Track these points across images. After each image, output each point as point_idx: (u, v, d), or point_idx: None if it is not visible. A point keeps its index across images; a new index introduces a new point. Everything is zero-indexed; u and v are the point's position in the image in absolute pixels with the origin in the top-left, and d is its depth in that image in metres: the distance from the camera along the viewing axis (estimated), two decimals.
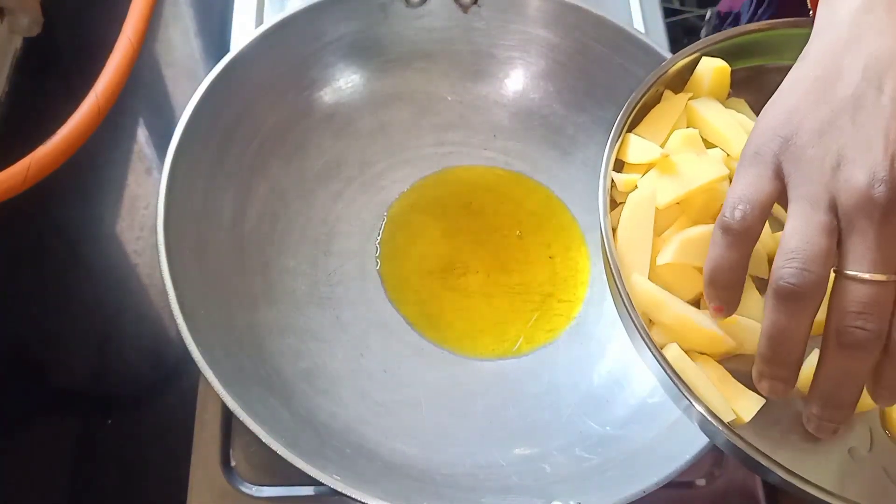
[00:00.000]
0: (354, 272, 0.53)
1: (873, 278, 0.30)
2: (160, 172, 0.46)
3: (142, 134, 0.63)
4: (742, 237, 0.33)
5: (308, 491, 0.47)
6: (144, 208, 0.59)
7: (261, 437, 0.39)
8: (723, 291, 0.35)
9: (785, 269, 0.31)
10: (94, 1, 0.66)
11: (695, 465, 0.42)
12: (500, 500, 0.44)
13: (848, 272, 0.31)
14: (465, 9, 0.58)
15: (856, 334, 0.30)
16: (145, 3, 0.53)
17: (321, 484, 0.39)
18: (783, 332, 0.32)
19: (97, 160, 0.60)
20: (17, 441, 0.52)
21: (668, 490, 0.42)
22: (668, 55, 0.54)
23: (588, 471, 0.45)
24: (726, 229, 0.33)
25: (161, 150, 0.53)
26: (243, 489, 0.47)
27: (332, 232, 0.55)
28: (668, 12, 0.67)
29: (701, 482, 0.49)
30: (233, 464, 0.48)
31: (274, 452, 0.39)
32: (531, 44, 0.59)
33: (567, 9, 0.57)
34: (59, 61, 0.65)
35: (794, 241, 0.31)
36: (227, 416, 0.48)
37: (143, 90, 0.65)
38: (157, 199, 0.45)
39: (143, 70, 0.63)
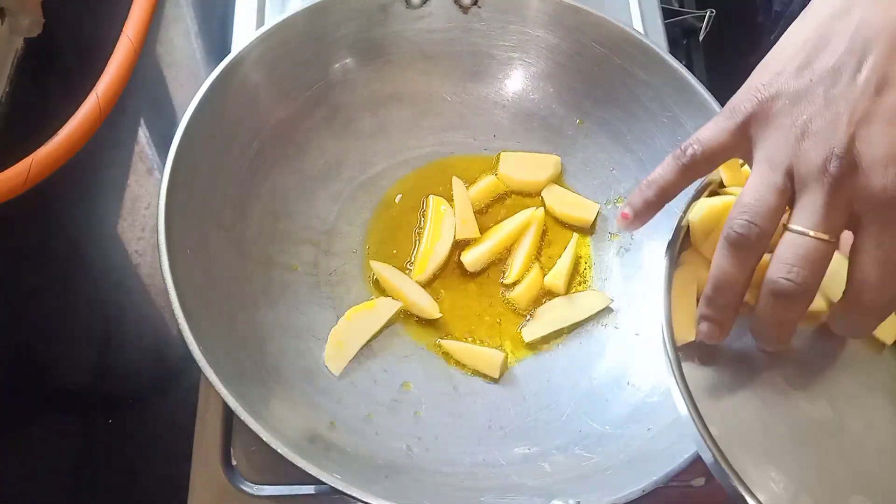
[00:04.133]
0: (354, 272, 0.54)
1: (816, 235, 0.33)
2: (161, 173, 0.47)
3: (143, 134, 0.63)
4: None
5: (309, 490, 0.47)
6: (145, 208, 0.60)
7: (262, 436, 0.39)
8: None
9: (736, 221, 0.34)
10: (94, 2, 0.66)
11: (694, 464, 0.42)
12: (500, 499, 0.44)
13: (793, 227, 0.33)
14: (465, 10, 0.58)
15: (785, 285, 0.33)
16: (146, 4, 0.53)
17: (322, 483, 0.39)
18: (725, 277, 0.35)
19: (98, 161, 0.60)
20: (18, 440, 0.52)
21: (668, 489, 0.42)
22: (668, 56, 0.54)
23: (588, 470, 0.45)
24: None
25: (162, 150, 0.53)
26: (244, 488, 0.47)
27: (332, 232, 0.55)
28: (667, 13, 0.67)
29: (700, 482, 0.49)
30: (233, 463, 0.48)
31: (274, 451, 0.39)
32: (531, 45, 0.59)
33: (566, 10, 0.57)
34: (60, 62, 0.65)
35: (748, 196, 0.34)
36: (228, 416, 0.49)
37: (144, 91, 0.65)
38: (158, 200, 0.45)
39: (144, 71, 0.64)
